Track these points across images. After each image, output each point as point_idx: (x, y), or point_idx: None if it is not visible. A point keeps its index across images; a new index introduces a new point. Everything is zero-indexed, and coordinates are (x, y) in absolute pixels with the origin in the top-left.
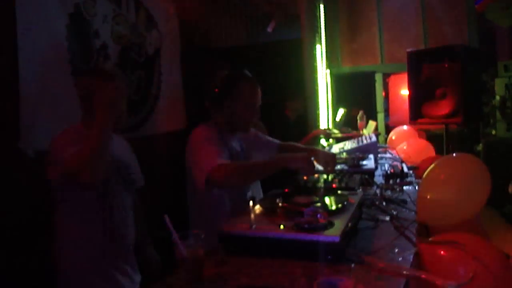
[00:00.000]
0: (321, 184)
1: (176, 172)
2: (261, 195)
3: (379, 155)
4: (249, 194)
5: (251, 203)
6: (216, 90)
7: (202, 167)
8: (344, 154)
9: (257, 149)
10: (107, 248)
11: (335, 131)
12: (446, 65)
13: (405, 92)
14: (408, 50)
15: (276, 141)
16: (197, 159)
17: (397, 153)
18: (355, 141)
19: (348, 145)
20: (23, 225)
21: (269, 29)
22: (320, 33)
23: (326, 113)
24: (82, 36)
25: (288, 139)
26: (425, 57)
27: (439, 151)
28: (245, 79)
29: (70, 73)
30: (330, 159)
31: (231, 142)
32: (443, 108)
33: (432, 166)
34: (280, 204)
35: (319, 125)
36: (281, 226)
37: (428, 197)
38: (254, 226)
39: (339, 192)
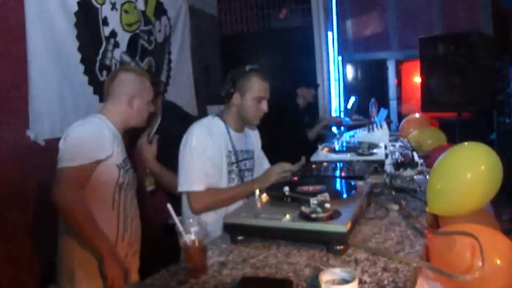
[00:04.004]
0: (329, 172)
1: None
2: None
3: (390, 144)
4: None
5: (257, 192)
6: (226, 83)
7: (184, 180)
8: (355, 142)
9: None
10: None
11: (346, 118)
12: (459, 52)
13: (418, 79)
14: (421, 36)
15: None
16: (182, 171)
17: (408, 141)
18: (366, 129)
19: (359, 133)
20: (31, 215)
21: (281, 16)
22: (332, 19)
23: (337, 100)
24: (91, 24)
25: (298, 126)
26: (438, 43)
27: (451, 139)
28: (255, 72)
29: (79, 61)
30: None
31: (233, 139)
32: (456, 95)
33: (443, 155)
34: (286, 193)
35: (330, 113)
36: (287, 216)
37: (439, 186)
38: (260, 215)
39: (347, 181)
